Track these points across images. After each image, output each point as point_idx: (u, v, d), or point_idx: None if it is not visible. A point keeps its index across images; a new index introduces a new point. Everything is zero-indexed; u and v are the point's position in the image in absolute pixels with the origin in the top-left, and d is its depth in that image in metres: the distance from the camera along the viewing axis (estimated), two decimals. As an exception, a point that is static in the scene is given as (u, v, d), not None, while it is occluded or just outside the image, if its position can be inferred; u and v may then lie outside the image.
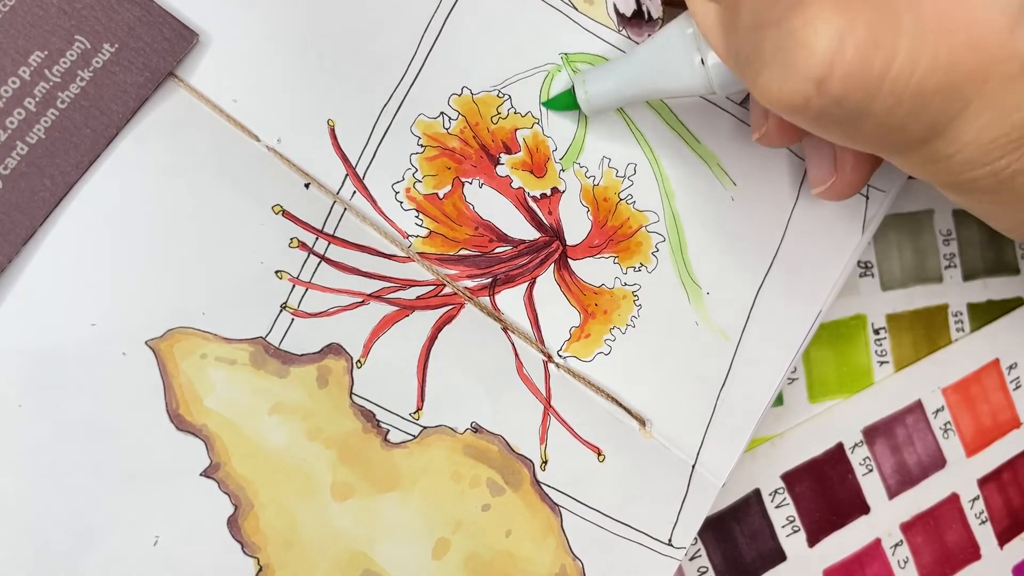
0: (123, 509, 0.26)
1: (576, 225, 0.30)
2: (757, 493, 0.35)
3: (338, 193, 0.28)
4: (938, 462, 0.38)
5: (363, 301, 0.28)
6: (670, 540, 0.30)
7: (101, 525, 0.26)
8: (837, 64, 0.21)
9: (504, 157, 0.30)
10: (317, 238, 0.28)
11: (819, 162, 0.29)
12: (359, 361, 0.28)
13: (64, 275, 0.26)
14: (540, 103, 0.30)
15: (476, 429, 0.29)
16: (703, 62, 0.26)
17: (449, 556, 0.28)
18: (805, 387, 0.36)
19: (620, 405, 0.30)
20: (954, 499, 0.38)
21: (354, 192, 0.28)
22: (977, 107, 0.21)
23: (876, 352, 0.37)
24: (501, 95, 0.30)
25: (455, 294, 0.29)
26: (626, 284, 0.31)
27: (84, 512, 0.26)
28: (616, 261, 0.31)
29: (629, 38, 0.31)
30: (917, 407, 0.38)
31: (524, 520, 0.29)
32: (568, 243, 0.30)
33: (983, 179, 0.23)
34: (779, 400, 0.35)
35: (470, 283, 0.29)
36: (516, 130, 0.30)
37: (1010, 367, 0.39)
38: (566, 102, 0.30)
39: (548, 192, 0.30)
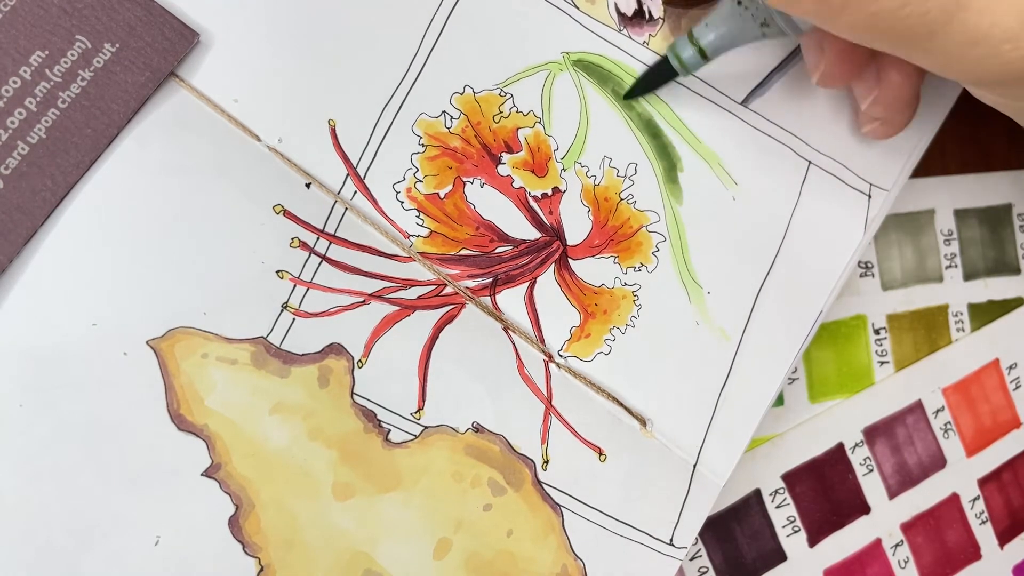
0: (124, 509, 0.26)
1: (577, 225, 0.30)
2: (757, 493, 0.35)
3: (339, 193, 0.28)
4: (938, 462, 0.38)
5: (364, 301, 0.28)
6: (671, 540, 0.30)
7: (102, 525, 0.26)
8: None
9: (506, 156, 0.30)
10: (318, 238, 0.28)
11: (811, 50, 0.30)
12: (360, 361, 0.28)
13: (65, 275, 0.26)
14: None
15: (477, 429, 0.29)
16: (739, 2, 0.28)
17: (450, 556, 0.28)
18: (805, 387, 0.36)
19: (621, 405, 0.30)
20: (954, 499, 0.38)
21: (355, 192, 0.28)
22: None
23: (876, 352, 0.37)
24: (503, 94, 0.30)
25: (456, 294, 0.29)
26: (626, 284, 0.31)
27: (85, 512, 0.26)
28: (616, 261, 0.31)
29: (630, 37, 0.31)
30: (917, 407, 0.38)
31: (525, 520, 0.29)
32: (568, 243, 0.30)
33: None
34: (779, 400, 0.35)
35: (471, 283, 0.29)
36: (518, 129, 0.30)
37: (1010, 367, 0.39)
38: (658, 77, 0.31)
39: (549, 192, 0.30)
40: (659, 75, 0.31)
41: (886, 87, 0.29)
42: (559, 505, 0.29)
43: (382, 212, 0.29)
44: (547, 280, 0.30)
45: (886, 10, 0.22)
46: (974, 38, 0.22)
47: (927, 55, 0.24)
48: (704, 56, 0.29)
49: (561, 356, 0.30)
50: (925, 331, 0.38)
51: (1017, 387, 0.39)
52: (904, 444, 0.37)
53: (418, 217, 0.29)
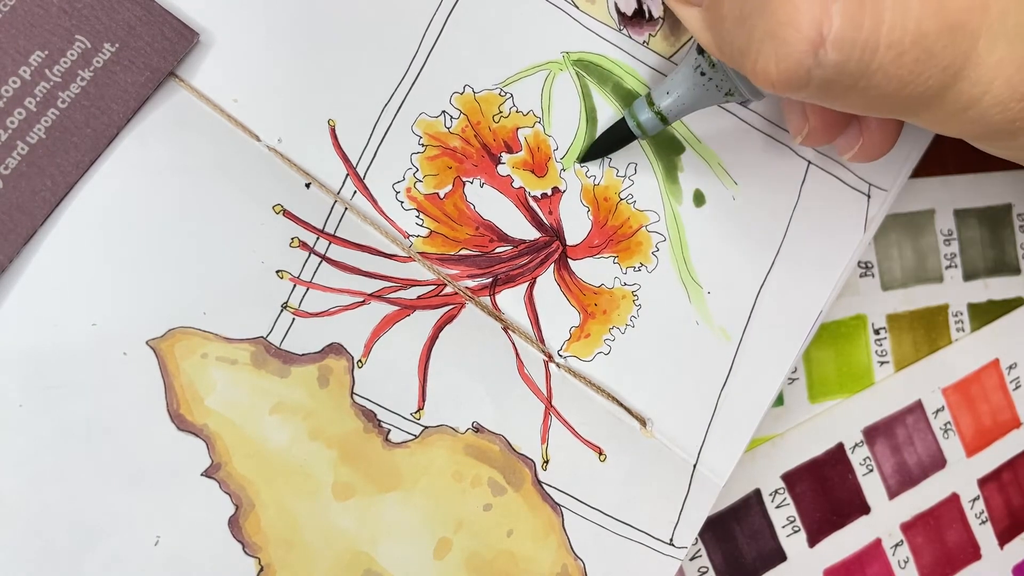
0: (124, 509, 0.26)
1: (576, 225, 0.30)
2: (757, 493, 0.35)
3: (339, 193, 0.28)
4: (938, 462, 0.38)
5: (364, 301, 0.28)
6: (671, 540, 0.30)
7: (102, 525, 0.26)
8: (826, 31, 0.21)
9: (505, 156, 0.30)
10: (318, 238, 0.28)
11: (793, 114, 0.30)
12: (360, 361, 0.28)
13: (65, 275, 0.26)
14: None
15: (477, 429, 0.29)
16: (703, 72, 0.27)
17: (450, 556, 0.28)
18: (805, 387, 0.36)
19: (621, 405, 0.30)
20: (954, 499, 0.38)
21: (355, 192, 0.28)
22: (988, 40, 0.21)
23: (876, 352, 0.37)
24: (503, 94, 0.30)
25: (456, 294, 0.29)
26: (626, 284, 0.31)
27: (85, 512, 0.25)
28: (616, 261, 0.31)
29: (629, 37, 0.31)
30: (917, 407, 0.38)
31: (525, 520, 0.29)
32: (568, 243, 0.30)
33: (1022, 116, 0.23)
34: (779, 400, 0.35)
35: (471, 283, 0.29)
36: (518, 129, 0.30)
37: (1010, 367, 0.39)
38: (616, 139, 0.30)
39: (549, 192, 0.30)
40: (617, 137, 0.30)
41: (868, 142, 0.29)
42: (559, 505, 0.29)
43: (382, 212, 0.29)
44: (547, 280, 0.30)
45: (886, 94, 0.23)
46: (967, 104, 0.23)
47: (921, 119, 0.25)
48: (663, 120, 0.29)
49: (561, 356, 0.30)
50: (925, 331, 0.38)
51: (1017, 387, 0.39)
52: (904, 444, 0.37)
53: (418, 217, 0.29)
